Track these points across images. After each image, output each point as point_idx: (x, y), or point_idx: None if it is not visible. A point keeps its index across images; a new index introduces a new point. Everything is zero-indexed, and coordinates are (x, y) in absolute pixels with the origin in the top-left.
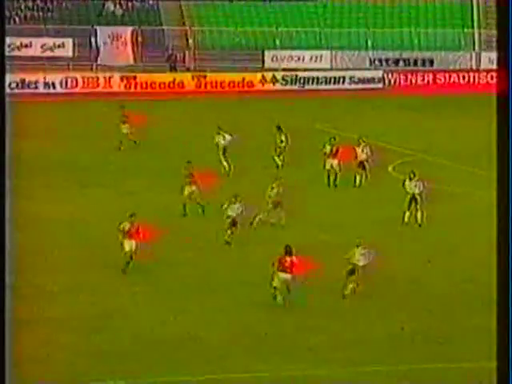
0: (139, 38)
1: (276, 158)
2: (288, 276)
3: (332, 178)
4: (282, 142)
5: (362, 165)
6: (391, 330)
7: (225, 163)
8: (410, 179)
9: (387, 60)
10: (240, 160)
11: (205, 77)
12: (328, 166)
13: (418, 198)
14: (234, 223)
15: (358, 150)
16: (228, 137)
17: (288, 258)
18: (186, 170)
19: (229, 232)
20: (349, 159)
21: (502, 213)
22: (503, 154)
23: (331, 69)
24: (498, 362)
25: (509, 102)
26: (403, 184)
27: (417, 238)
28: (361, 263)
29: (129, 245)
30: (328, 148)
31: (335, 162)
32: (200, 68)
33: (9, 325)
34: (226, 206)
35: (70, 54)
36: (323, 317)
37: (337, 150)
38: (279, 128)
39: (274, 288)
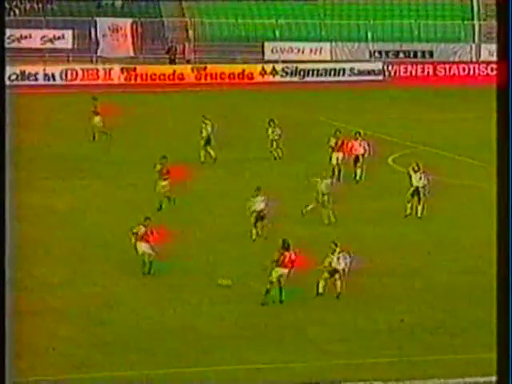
0: (139, 30)
1: (273, 149)
2: (284, 271)
3: (337, 172)
4: (277, 134)
5: (357, 159)
6: (391, 321)
7: (212, 152)
8: (415, 172)
9: (387, 52)
10: (237, 151)
11: (205, 69)
12: (334, 161)
13: (420, 191)
14: (260, 218)
15: (356, 144)
16: (209, 128)
17: (287, 253)
18: (161, 165)
19: (258, 227)
20: (350, 152)
21: (502, 205)
22: (503, 145)
23: (331, 61)
24: (497, 353)
25: (509, 93)
26: (409, 177)
27: (417, 230)
28: (340, 267)
29: (143, 247)
30: (333, 141)
31: (340, 155)
32: (200, 60)
33: (9, 316)
34: (249, 201)
35: (70, 45)
36: (323, 309)
37: (342, 143)
38: (273, 121)
39: (271, 282)
